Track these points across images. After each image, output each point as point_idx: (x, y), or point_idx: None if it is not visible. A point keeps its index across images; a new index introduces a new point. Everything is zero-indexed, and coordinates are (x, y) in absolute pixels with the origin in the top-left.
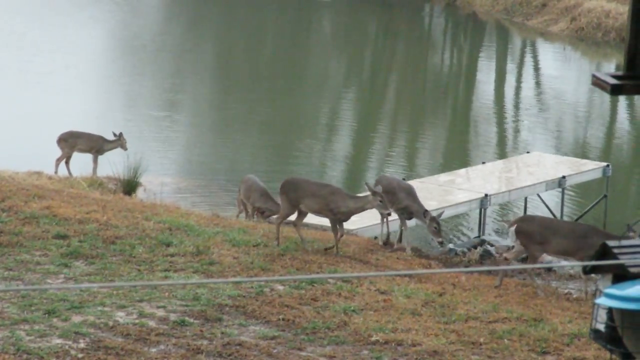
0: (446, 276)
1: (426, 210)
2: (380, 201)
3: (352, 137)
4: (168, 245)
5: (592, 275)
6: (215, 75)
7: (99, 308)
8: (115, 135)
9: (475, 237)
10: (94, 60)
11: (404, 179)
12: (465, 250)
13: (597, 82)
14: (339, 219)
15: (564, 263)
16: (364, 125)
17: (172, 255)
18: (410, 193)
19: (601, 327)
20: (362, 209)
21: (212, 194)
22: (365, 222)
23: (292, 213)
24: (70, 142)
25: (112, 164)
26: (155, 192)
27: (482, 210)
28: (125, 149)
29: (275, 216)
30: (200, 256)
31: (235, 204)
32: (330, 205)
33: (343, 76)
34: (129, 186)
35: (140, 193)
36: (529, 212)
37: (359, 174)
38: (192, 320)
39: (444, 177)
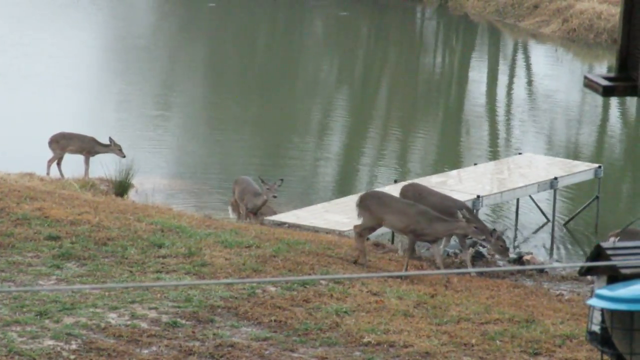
0: (438, 277)
1: (494, 230)
2: (475, 228)
3: (344, 138)
4: (160, 246)
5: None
6: (207, 75)
7: (91, 309)
8: (110, 141)
9: (468, 238)
10: (84, 61)
11: (396, 180)
12: (457, 251)
13: (589, 84)
14: (424, 240)
15: (555, 264)
16: (356, 125)
17: (164, 257)
18: (468, 210)
19: (597, 328)
20: (450, 233)
21: (204, 195)
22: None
23: (375, 228)
24: (62, 143)
25: (104, 166)
26: (147, 194)
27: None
28: (123, 156)
29: (268, 217)
30: (192, 257)
31: (230, 207)
32: (416, 226)
33: (335, 77)
34: (121, 187)
35: (132, 194)
36: (521, 214)
37: (351, 174)
38: (184, 321)
39: (435, 179)
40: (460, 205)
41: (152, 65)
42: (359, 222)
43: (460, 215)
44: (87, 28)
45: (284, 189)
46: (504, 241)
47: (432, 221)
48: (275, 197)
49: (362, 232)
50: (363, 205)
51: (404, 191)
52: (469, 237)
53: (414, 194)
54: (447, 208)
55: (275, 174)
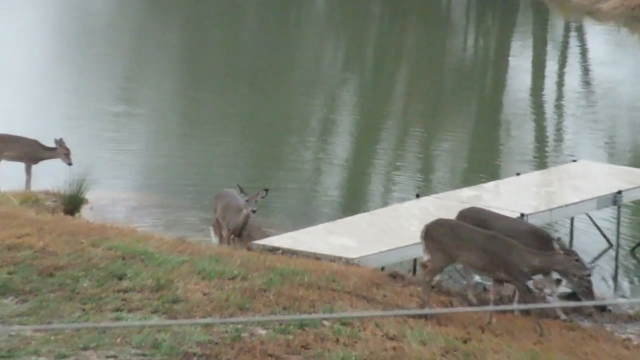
0: (472, 317)
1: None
2: (577, 261)
3: (352, 141)
4: (121, 278)
5: None
6: (182, 63)
7: (33, 358)
8: (56, 142)
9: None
10: (27, 45)
11: (418, 195)
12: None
13: None
14: (509, 281)
15: (621, 300)
16: (367, 125)
17: (125, 291)
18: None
19: None
20: (545, 270)
21: (177, 212)
22: (369, 248)
23: (447, 265)
24: None
25: (50, 176)
26: (106, 211)
27: None
28: (69, 163)
29: (256, 241)
30: (161, 291)
31: (212, 228)
32: (504, 264)
33: (341, 65)
34: (72, 203)
35: (86, 212)
36: (576, 237)
37: (362, 186)
38: None
39: (467, 193)
40: (534, 231)
41: (113, 50)
42: (424, 259)
43: (557, 246)
44: (34, 5)
45: (277, 205)
46: (589, 281)
47: (524, 256)
48: (254, 211)
49: (428, 275)
50: (431, 238)
51: (461, 218)
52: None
53: (476, 220)
54: (520, 235)
55: (267, 186)
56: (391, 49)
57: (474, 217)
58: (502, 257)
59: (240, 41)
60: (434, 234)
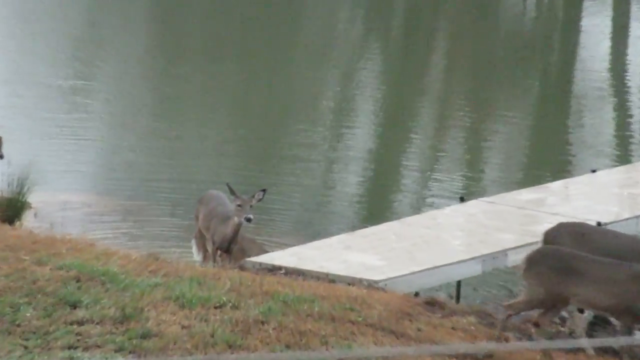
0: (532, 356)
1: None
2: None
3: (375, 130)
4: (74, 306)
5: None
6: (155, 29)
7: None
8: None
9: None
10: None
11: (462, 198)
12: (565, 314)
13: None
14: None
15: None
16: (393, 110)
17: (80, 323)
18: None
19: None
20: None
21: (148, 221)
22: (398, 268)
23: (547, 307)
24: None
25: None
26: (55, 218)
27: None
28: (0, 155)
29: (251, 258)
30: (127, 324)
31: (194, 241)
32: (632, 301)
33: (361, 33)
34: (12, 208)
35: (29, 220)
36: None
37: (387, 187)
38: None
39: (526, 195)
40: None
41: (64, 8)
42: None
43: None
44: None
45: (278, 210)
46: None
47: None
48: (248, 220)
49: (512, 310)
50: (534, 272)
51: (552, 238)
52: None
53: (574, 239)
54: (635, 257)
55: (265, 186)
56: (426, 11)
57: (574, 235)
58: (632, 292)
59: (233, 7)
60: (539, 267)
